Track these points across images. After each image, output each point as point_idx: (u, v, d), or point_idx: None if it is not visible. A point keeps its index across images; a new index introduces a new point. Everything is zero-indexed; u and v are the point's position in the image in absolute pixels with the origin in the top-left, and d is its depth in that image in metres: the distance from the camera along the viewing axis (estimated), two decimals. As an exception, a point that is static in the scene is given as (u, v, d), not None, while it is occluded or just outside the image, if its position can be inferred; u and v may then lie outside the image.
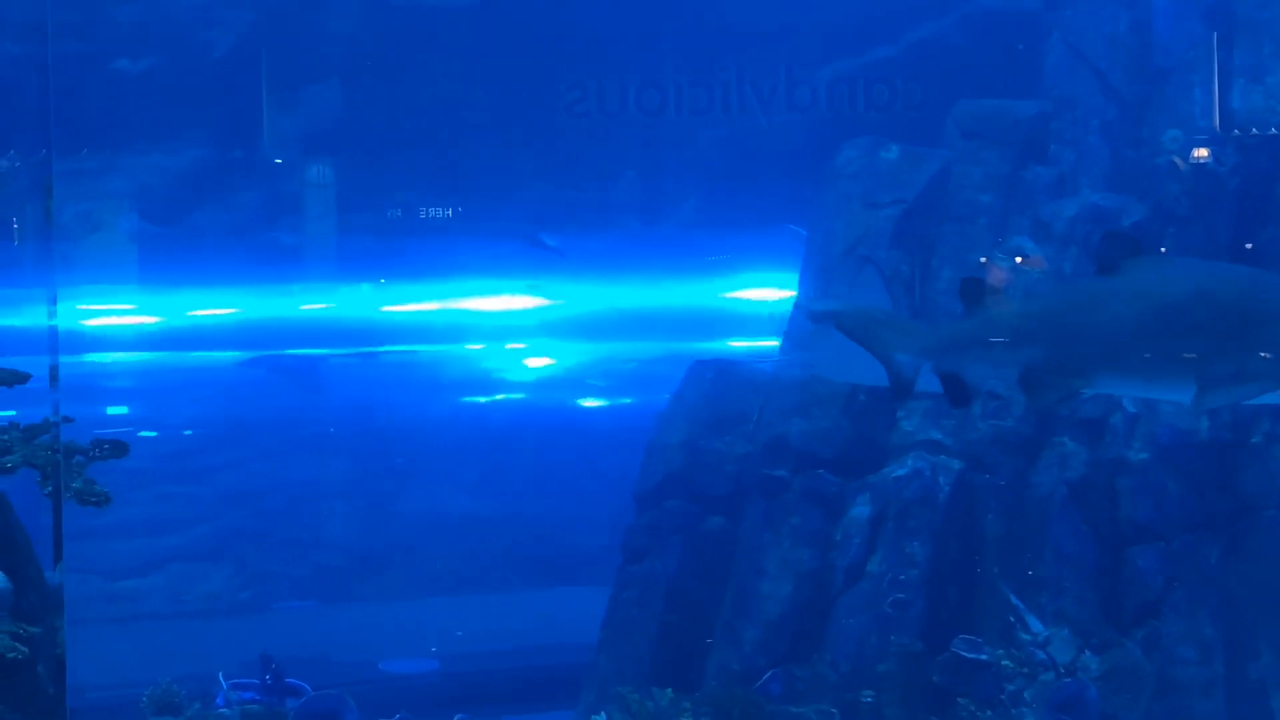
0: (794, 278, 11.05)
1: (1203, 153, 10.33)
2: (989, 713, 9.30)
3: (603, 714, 9.49)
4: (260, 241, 12.20)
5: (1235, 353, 6.58)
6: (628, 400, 13.41)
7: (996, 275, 10.47)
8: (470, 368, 13.84)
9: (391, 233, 12.27)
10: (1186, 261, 9.06)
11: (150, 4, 11.79)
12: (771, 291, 12.08)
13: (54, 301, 7.90)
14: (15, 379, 7.24)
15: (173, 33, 11.79)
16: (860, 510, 10.13)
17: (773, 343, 11.00)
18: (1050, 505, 9.99)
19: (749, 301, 12.94)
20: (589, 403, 13.98)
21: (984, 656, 9.45)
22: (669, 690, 9.54)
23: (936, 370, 7.67)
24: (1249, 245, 10.20)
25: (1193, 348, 6.68)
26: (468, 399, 13.93)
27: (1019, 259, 10.37)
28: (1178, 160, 10.36)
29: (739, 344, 12.19)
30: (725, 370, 10.88)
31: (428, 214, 12.17)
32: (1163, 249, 10.25)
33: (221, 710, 8.94)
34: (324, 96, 11.91)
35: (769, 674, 9.75)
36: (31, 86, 9.30)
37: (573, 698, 10.23)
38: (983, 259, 10.50)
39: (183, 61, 11.79)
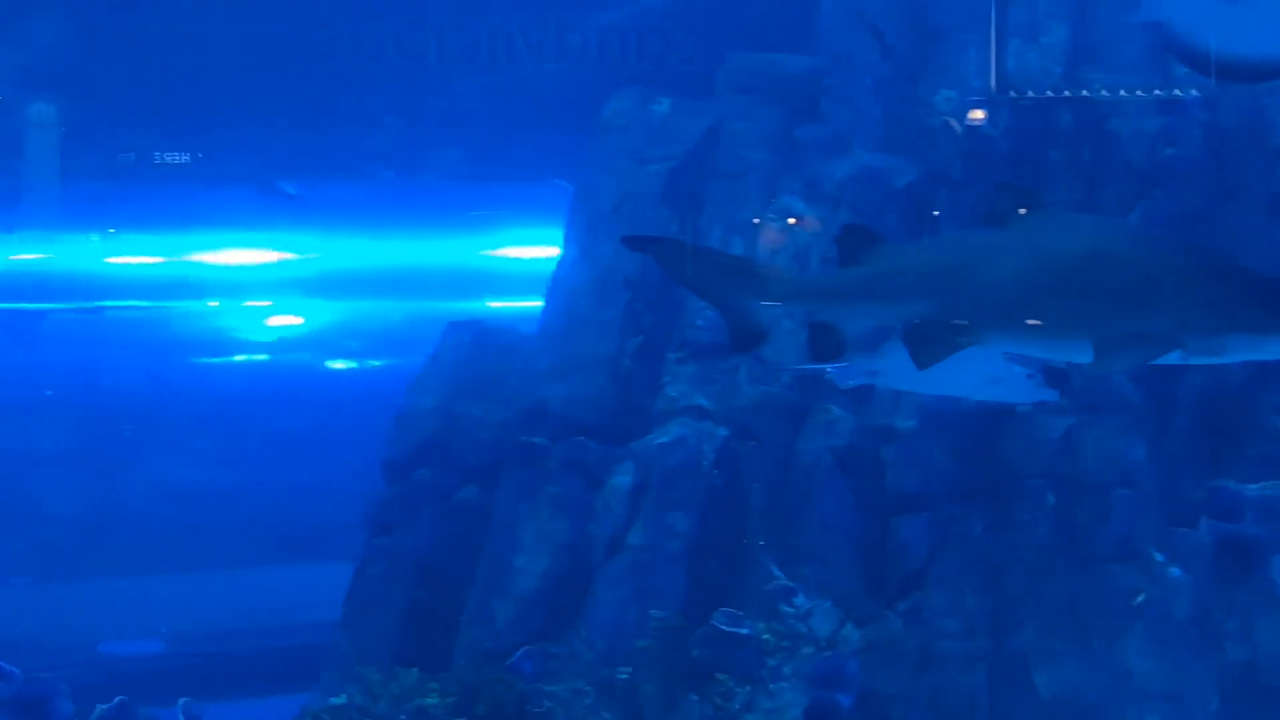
0: (559, 234, 10.99)
1: (977, 114, 10.49)
2: (748, 688, 9.39)
3: (344, 696, 9.38)
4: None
5: (1132, 313, 6.60)
6: (380, 363, 13.40)
7: (770, 236, 10.61)
8: (207, 326, 13.64)
9: (122, 178, 11.80)
10: (1081, 217, 9.01)
11: None
12: (536, 249, 12.08)
13: None
14: None
15: None
16: (622, 479, 10.16)
17: (535, 303, 10.94)
18: (816, 473, 10.08)
19: (512, 260, 12.95)
20: (338, 365, 13.86)
21: (744, 630, 9.53)
22: (415, 670, 9.50)
23: (808, 321, 7.56)
24: (1022, 210, 10.43)
25: (1088, 307, 6.69)
26: (204, 360, 13.75)
27: (791, 220, 10.47)
28: (952, 121, 10.53)
29: (501, 304, 12.20)
30: (484, 332, 10.85)
31: (164, 159, 11.71)
32: (934, 211, 10.48)
33: (-79, 696, 8.51)
34: (49, 27, 11.38)
35: (521, 651, 9.74)
36: None
37: (312, 679, 10.06)
38: (755, 219, 10.55)
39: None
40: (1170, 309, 6.55)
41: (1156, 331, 6.58)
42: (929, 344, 7.06)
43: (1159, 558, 10.03)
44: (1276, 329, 6.53)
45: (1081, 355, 6.76)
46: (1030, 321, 6.83)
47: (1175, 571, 10.00)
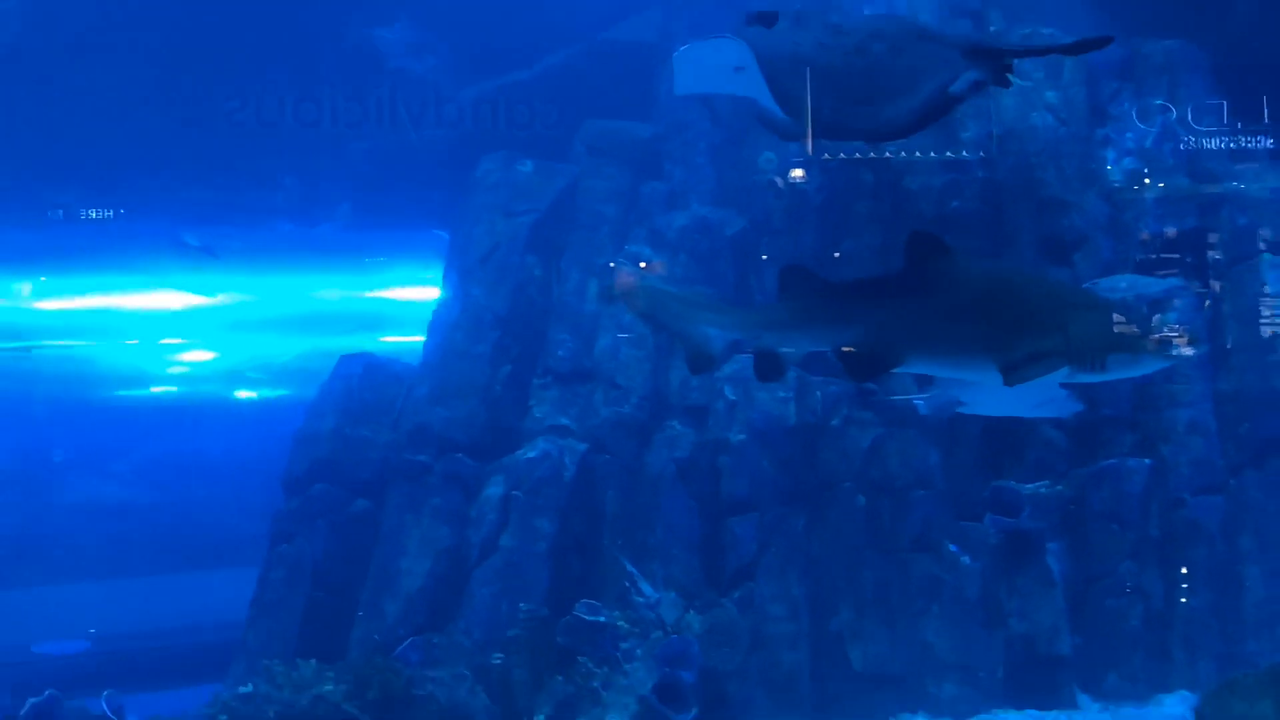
0: (438, 277, 11.00)
1: (795, 173, 10.67)
2: (605, 669, 9.44)
3: (250, 686, 9.23)
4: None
5: (1029, 338, 6.83)
6: (281, 392, 13.13)
7: (622, 279, 10.56)
8: (127, 362, 13.33)
9: (52, 232, 11.53)
10: (982, 261, 9.33)
11: None
12: (418, 290, 12.01)
13: None
14: None
15: None
16: (494, 490, 10.10)
17: (418, 338, 10.89)
18: (661, 482, 10.13)
19: (397, 300, 12.87)
20: (244, 395, 13.62)
21: (602, 619, 9.59)
22: (313, 662, 9.40)
23: (752, 348, 7.67)
24: (836, 254, 10.60)
25: (989, 334, 6.90)
26: (124, 392, 13.44)
27: (642, 264, 10.58)
28: (774, 179, 10.71)
29: (388, 339, 12.07)
30: (373, 363, 10.77)
31: (88, 214, 11.43)
32: (762, 256, 10.66)
33: None
34: (-19, 98, 11.16)
35: (407, 642, 9.67)
36: None
37: (222, 672, 9.98)
38: (609, 264, 10.65)
39: None
40: (1061, 333, 6.85)
41: (1049, 352, 6.85)
42: (861, 366, 7.32)
43: (952, 548, 10.28)
44: (1148, 351, 6.97)
45: (986, 374, 7.01)
46: (944, 346, 7.11)
47: (965, 560, 10.26)
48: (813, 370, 10.24)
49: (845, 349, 7.34)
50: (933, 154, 10.67)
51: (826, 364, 10.06)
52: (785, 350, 7.73)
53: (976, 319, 7.00)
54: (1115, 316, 7.10)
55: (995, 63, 8.29)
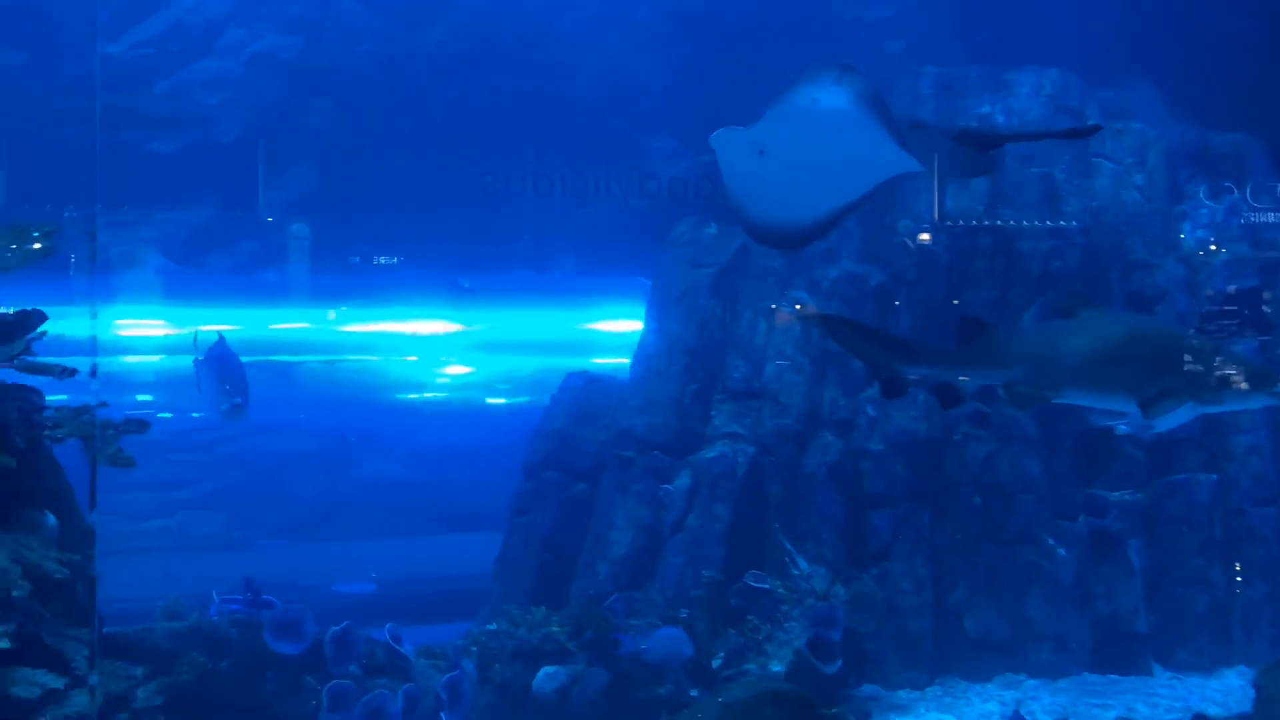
0: (641, 314, 11.17)
1: (925, 236, 10.71)
2: (768, 626, 9.45)
3: (494, 624, 9.41)
4: (253, 278, 12.10)
5: (1161, 377, 6.74)
6: (523, 399, 13.23)
7: (783, 317, 10.70)
8: (407, 374, 13.68)
9: (352, 274, 12.19)
10: (1120, 312, 9.30)
11: (179, 101, 11.69)
12: (626, 324, 12.05)
13: (95, 316, 7.88)
14: (65, 373, 7.20)
15: (195, 124, 11.72)
16: (683, 481, 10.19)
17: (625, 360, 11.05)
18: (815, 480, 10.18)
19: (610, 331, 12.95)
20: (494, 400, 13.84)
21: (766, 586, 9.60)
22: (543, 608, 9.44)
23: (935, 381, 7.70)
24: (956, 302, 10.61)
25: (1130, 373, 6.82)
26: (404, 396, 13.79)
27: (799, 306, 10.66)
28: (908, 241, 10.74)
29: (602, 360, 12.13)
30: (591, 379, 10.95)
31: (380, 261, 12.11)
32: (896, 302, 10.66)
33: (214, 618, 8.61)
34: (304, 173, 11.87)
35: (614, 597, 9.76)
36: (84, 161, 9.34)
37: (472, 613, 10.25)
38: (774, 306, 10.72)
39: (201, 145, 11.70)
40: (1188, 373, 6.72)
41: (1179, 389, 6.70)
42: (1024, 398, 7.23)
43: (1050, 542, 10.23)
44: (1260, 388, 6.82)
45: (1125, 407, 6.94)
46: (1091, 383, 6.98)
47: (1061, 551, 10.22)
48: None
49: (1010, 384, 7.27)
50: (1039, 223, 10.63)
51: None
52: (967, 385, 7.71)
53: (1117, 361, 6.86)
54: (1229, 360, 6.93)
55: (983, 146, 7.97)
